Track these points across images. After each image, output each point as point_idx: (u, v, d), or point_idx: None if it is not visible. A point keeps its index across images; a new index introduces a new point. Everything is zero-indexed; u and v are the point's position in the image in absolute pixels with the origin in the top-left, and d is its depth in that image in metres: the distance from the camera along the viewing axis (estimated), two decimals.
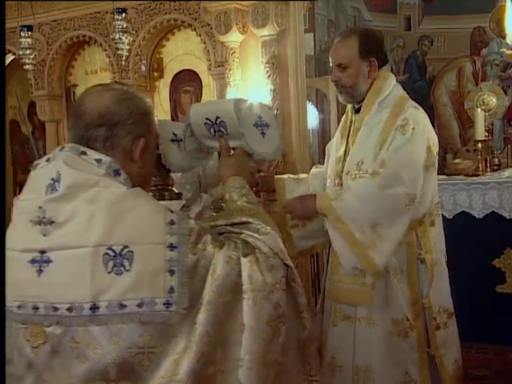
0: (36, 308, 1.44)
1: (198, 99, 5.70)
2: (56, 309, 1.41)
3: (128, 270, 1.37)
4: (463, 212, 4.59)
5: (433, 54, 8.78)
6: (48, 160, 1.52)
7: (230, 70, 5.39)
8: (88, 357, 1.38)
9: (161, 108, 6.47)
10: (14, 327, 1.48)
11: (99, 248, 1.38)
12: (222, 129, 1.86)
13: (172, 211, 1.47)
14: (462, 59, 8.64)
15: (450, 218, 4.60)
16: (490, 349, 4.35)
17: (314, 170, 3.04)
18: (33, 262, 1.43)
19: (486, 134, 5.20)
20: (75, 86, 6.43)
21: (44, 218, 1.43)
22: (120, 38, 4.69)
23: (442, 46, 8.78)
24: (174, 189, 2.05)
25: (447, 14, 8.44)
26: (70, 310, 1.39)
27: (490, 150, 5.43)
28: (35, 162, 1.54)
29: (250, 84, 5.43)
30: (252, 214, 1.64)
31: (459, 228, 4.52)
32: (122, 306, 1.37)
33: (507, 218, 4.45)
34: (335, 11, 7.80)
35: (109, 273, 1.37)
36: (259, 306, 1.45)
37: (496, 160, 5.40)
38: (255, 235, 1.55)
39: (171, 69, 5.93)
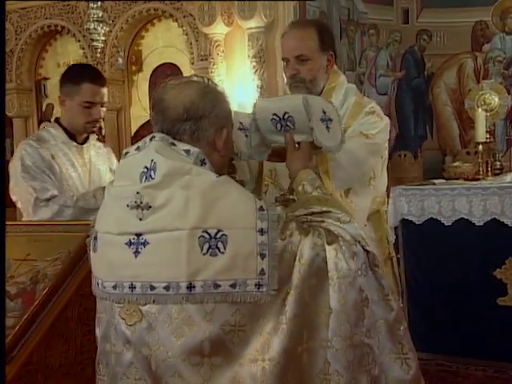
0: (133, 287, 1.63)
1: None
2: (153, 287, 1.61)
3: (222, 253, 1.58)
4: (462, 219, 4.60)
5: (432, 50, 8.82)
6: (138, 149, 1.72)
7: (214, 64, 5.40)
8: (184, 333, 1.58)
9: (139, 104, 6.45)
10: (109, 306, 1.69)
11: (195, 231, 1.58)
12: (289, 124, 2.05)
13: (260, 198, 1.67)
14: (462, 55, 8.69)
15: (449, 224, 4.62)
16: (489, 366, 4.36)
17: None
18: (129, 244, 1.63)
19: (488, 135, 5.23)
20: (46, 79, 6.41)
21: (141, 202, 1.63)
22: (95, 28, 4.69)
23: (441, 41, 8.82)
24: (237, 176, 2.27)
25: (447, 6, 8.49)
26: (167, 288, 1.59)
27: (492, 153, 5.47)
28: (124, 151, 1.76)
29: (236, 79, 5.44)
30: (329, 204, 1.84)
31: (458, 236, 4.55)
32: (217, 286, 1.58)
33: (509, 225, 4.47)
34: (328, 2, 7.81)
35: (204, 254, 1.58)
36: (344, 291, 1.66)
37: (498, 163, 5.44)
38: (337, 223, 1.75)
39: (151, 62, 5.93)
